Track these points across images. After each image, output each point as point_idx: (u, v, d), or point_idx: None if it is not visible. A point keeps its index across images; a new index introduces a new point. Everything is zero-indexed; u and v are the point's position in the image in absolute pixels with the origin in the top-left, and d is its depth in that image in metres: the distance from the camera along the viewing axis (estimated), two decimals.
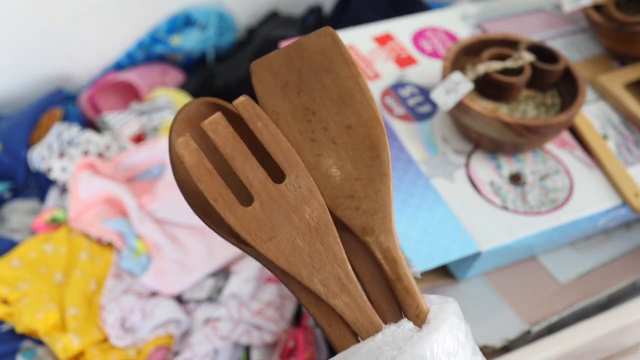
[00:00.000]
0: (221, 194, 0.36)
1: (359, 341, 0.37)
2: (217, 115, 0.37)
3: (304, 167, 0.38)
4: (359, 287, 0.37)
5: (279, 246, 0.37)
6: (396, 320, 0.37)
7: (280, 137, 0.38)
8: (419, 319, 0.37)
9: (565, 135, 0.68)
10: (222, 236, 0.39)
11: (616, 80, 0.72)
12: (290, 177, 0.37)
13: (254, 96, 0.40)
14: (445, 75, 0.63)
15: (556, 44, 0.76)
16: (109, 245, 0.78)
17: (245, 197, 0.37)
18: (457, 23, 0.78)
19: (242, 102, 0.38)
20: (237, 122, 0.38)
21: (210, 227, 0.39)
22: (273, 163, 0.38)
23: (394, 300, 0.38)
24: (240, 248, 0.38)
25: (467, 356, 0.36)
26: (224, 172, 0.37)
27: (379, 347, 0.35)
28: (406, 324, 0.36)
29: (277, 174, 0.37)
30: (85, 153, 0.82)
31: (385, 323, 0.37)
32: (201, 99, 0.40)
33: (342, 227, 0.38)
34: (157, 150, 0.82)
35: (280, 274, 0.38)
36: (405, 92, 0.69)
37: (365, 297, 0.37)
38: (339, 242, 0.37)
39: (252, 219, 0.36)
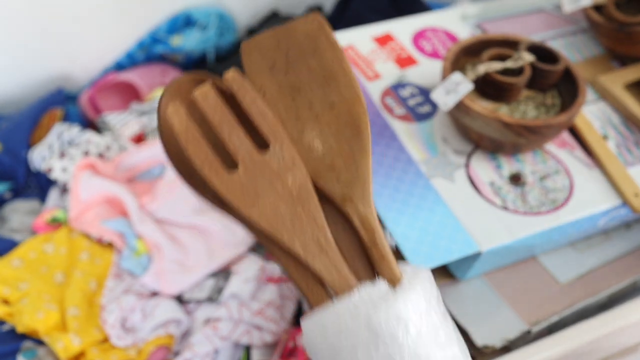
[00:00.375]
0: (208, 159, 0.38)
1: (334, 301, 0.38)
2: (207, 86, 0.39)
3: (288, 138, 0.39)
4: (337, 250, 0.39)
5: (262, 210, 0.38)
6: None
7: (266, 109, 0.39)
8: (394, 283, 0.38)
9: (566, 136, 0.68)
10: (205, 200, 0.41)
11: (616, 80, 0.72)
12: (274, 147, 0.39)
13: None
14: (445, 75, 0.63)
15: (556, 44, 0.77)
16: (110, 245, 0.78)
17: (230, 166, 0.39)
18: (457, 23, 0.78)
19: (231, 76, 0.39)
20: (226, 95, 0.40)
21: (195, 192, 0.41)
22: (259, 136, 0.39)
23: (370, 268, 0.40)
24: (223, 212, 0.40)
25: (438, 317, 0.37)
26: (211, 142, 0.39)
27: (355, 305, 0.37)
28: (381, 285, 0.38)
29: (262, 144, 0.39)
30: (86, 153, 0.83)
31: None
32: (191, 73, 0.41)
33: (322, 199, 0.40)
34: (158, 150, 0.82)
35: (262, 237, 0.40)
36: (405, 92, 0.69)
37: (342, 259, 0.39)
38: (319, 209, 0.39)
39: (237, 185, 0.38)
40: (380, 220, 0.61)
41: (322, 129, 0.40)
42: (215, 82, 0.41)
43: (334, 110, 0.40)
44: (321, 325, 0.37)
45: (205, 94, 0.39)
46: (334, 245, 0.39)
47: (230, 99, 0.39)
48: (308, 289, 0.39)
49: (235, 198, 0.38)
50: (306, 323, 0.38)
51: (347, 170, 0.40)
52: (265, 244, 0.40)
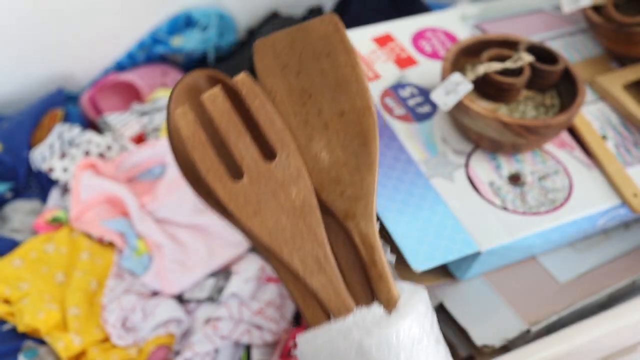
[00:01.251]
0: (213, 166, 0.37)
1: (330, 319, 0.38)
2: (217, 89, 0.38)
3: (295, 148, 0.39)
4: (336, 268, 0.38)
5: (263, 222, 0.37)
6: (368, 303, 0.38)
7: (275, 116, 0.39)
8: (389, 304, 0.38)
9: (565, 136, 0.68)
10: (209, 206, 0.40)
11: (615, 80, 0.72)
12: (281, 156, 0.38)
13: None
14: (445, 76, 0.63)
15: (555, 45, 0.77)
16: (110, 245, 0.78)
17: (236, 171, 0.38)
18: (456, 24, 0.78)
19: (241, 79, 0.39)
20: (236, 97, 0.39)
21: (199, 197, 0.40)
22: (266, 140, 0.39)
23: (367, 285, 0.39)
24: (226, 220, 0.39)
25: (430, 343, 0.37)
26: (218, 143, 0.38)
27: (348, 328, 0.36)
28: (376, 309, 0.37)
29: (269, 151, 0.38)
30: (87, 153, 0.83)
31: (358, 305, 0.38)
32: (202, 70, 0.41)
33: (325, 210, 0.39)
34: (158, 150, 0.82)
35: (262, 248, 0.39)
36: (405, 92, 0.69)
37: (340, 278, 0.38)
38: (321, 224, 0.38)
39: (240, 193, 0.37)
40: (379, 220, 0.61)
41: (330, 139, 0.39)
42: (226, 81, 0.40)
43: (343, 118, 0.39)
44: (315, 345, 0.37)
45: (214, 98, 0.38)
46: (333, 263, 0.38)
47: (240, 100, 0.39)
48: (305, 306, 0.39)
49: (238, 207, 0.37)
50: (301, 342, 0.38)
51: (352, 184, 0.39)
52: (264, 256, 0.39)
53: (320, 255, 0.38)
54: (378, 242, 0.39)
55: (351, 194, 0.39)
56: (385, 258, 0.39)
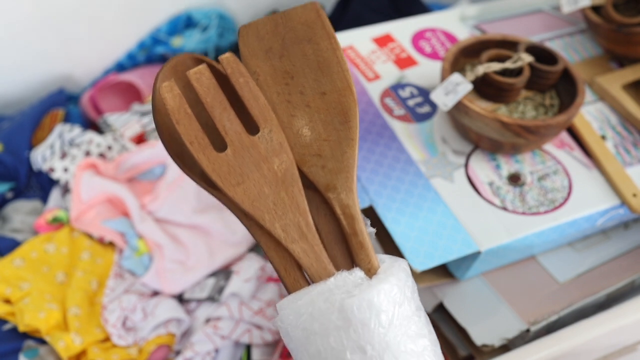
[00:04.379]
0: (197, 137, 0.38)
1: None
2: (203, 66, 0.40)
3: (277, 123, 0.40)
4: (317, 236, 0.39)
5: (246, 191, 0.39)
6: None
7: (258, 93, 0.40)
8: (370, 272, 0.39)
9: (564, 136, 0.69)
10: (193, 179, 0.41)
11: (614, 81, 0.72)
12: (263, 131, 0.39)
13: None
14: (444, 76, 0.63)
15: (555, 45, 0.77)
16: (111, 245, 0.78)
17: (220, 146, 0.39)
18: (456, 24, 0.78)
19: (227, 58, 0.40)
20: (221, 79, 0.40)
21: (183, 170, 0.41)
22: (250, 118, 0.40)
23: (348, 255, 0.40)
24: (209, 192, 0.41)
25: (411, 309, 0.38)
26: (202, 122, 0.39)
27: (330, 289, 0.37)
28: (357, 272, 0.38)
29: (252, 127, 0.40)
30: (87, 153, 0.83)
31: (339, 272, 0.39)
32: (189, 53, 0.42)
33: (307, 184, 0.40)
34: (159, 150, 0.82)
35: (244, 218, 0.40)
36: (405, 92, 0.69)
37: (321, 246, 0.39)
38: (302, 194, 0.39)
39: (223, 164, 0.39)
40: (379, 220, 0.61)
41: (312, 116, 0.41)
42: (212, 64, 0.41)
43: (324, 98, 0.41)
44: (296, 309, 0.38)
45: (200, 74, 0.39)
46: (314, 231, 0.39)
47: (226, 82, 0.40)
48: (286, 273, 0.40)
49: (221, 177, 0.38)
50: (282, 307, 0.39)
51: (333, 158, 0.40)
52: (247, 225, 0.40)
53: (302, 223, 0.39)
54: (359, 212, 0.40)
55: (332, 167, 0.40)
56: (366, 229, 0.40)
